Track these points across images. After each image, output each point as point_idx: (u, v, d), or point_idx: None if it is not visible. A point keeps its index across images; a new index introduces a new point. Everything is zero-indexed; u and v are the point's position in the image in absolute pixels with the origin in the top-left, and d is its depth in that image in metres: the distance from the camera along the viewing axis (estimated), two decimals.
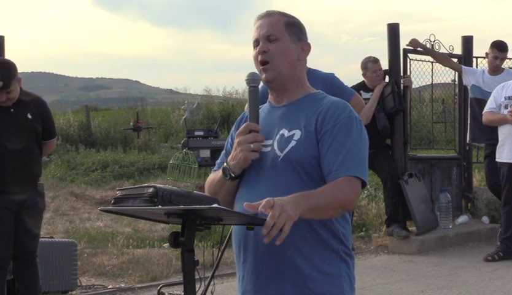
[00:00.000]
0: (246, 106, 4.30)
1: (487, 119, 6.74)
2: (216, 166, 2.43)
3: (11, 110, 4.61)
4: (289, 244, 2.14)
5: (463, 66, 7.73)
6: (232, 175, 2.24)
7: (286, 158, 2.20)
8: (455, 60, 7.96)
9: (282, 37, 2.28)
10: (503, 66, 7.75)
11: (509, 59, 8.56)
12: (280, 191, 2.04)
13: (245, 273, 2.26)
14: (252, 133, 2.22)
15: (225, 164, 2.26)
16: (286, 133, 2.24)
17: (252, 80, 2.27)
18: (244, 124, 2.25)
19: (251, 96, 2.26)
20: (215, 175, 2.34)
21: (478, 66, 8.11)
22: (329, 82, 4.63)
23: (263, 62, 2.26)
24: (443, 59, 7.76)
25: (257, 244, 2.19)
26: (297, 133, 2.22)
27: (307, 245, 2.18)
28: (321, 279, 2.18)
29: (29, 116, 4.66)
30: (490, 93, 7.08)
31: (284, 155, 2.21)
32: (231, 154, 2.26)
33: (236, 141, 2.24)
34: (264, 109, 2.37)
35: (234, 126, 2.45)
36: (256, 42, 2.29)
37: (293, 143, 2.21)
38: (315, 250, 2.19)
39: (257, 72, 2.31)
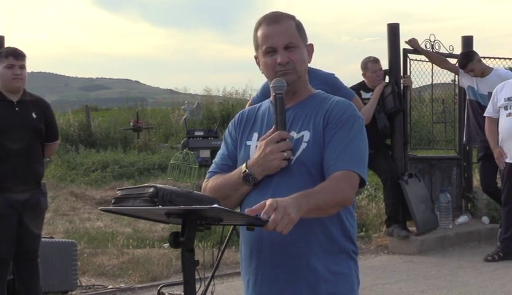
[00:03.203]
0: (247, 105, 4.29)
1: (486, 128, 6.76)
2: (214, 166, 2.38)
3: (16, 108, 4.67)
4: (305, 246, 2.16)
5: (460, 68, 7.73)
6: (256, 181, 2.21)
7: (299, 161, 2.20)
8: (455, 60, 7.96)
9: (299, 44, 2.27)
10: (496, 66, 7.76)
11: (509, 59, 8.59)
12: (294, 194, 2.02)
13: (257, 277, 2.24)
14: (285, 142, 2.18)
15: (247, 170, 2.21)
16: (295, 135, 2.24)
17: (278, 87, 2.22)
18: (277, 132, 2.19)
19: (278, 103, 2.21)
20: (225, 179, 2.28)
21: None
22: (330, 82, 4.63)
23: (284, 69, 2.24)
24: (440, 61, 7.76)
25: (272, 247, 2.18)
26: (306, 134, 2.22)
27: (321, 247, 2.19)
28: (334, 279, 2.19)
29: (34, 115, 4.71)
30: (484, 95, 7.11)
31: (296, 157, 2.20)
32: (255, 160, 2.20)
33: (266, 148, 2.18)
34: (268, 109, 2.35)
35: (232, 126, 2.41)
36: (271, 49, 2.25)
37: (303, 145, 2.21)
38: (329, 251, 2.20)
39: (267, 78, 2.30)
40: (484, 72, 7.29)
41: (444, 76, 8.42)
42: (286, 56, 2.24)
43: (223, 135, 2.48)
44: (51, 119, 4.89)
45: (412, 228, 7.36)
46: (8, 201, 4.58)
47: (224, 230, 5.70)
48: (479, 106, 7.20)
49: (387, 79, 7.46)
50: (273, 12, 2.32)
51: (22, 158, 4.61)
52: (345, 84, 5.10)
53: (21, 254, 4.73)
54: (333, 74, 4.89)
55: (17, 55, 4.67)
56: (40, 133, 4.74)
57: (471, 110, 7.39)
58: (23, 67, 4.69)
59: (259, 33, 2.30)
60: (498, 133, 6.68)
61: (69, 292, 5.66)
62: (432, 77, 8.16)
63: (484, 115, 6.78)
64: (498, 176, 7.15)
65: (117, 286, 6.05)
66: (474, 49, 7.88)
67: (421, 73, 7.99)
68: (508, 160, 6.55)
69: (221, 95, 22.52)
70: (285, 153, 2.18)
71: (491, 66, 7.76)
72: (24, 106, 4.70)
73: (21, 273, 4.81)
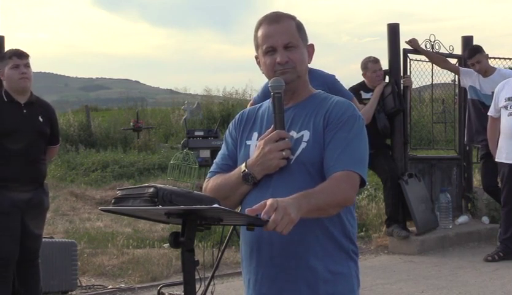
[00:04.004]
0: (249, 106, 4.30)
1: (488, 127, 6.78)
2: (215, 166, 2.39)
3: (24, 110, 4.70)
4: (305, 246, 2.16)
5: (460, 68, 7.73)
6: (255, 181, 2.22)
7: (298, 161, 2.20)
8: (455, 60, 7.96)
9: (299, 43, 2.28)
10: (496, 66, 7.76)
11: (509, 59, 8.59)
12: (295, 193, 2.02)
13: (257, 277, 2.24)
14: (284, 141, 2.19)
15: (246, 170, 2.22)
16: (295, 134, 2.24)
17: (276, 86, 2.22)
18: (275, 132, 2.20)
19: (276, 102, 2.22)
20: (225, 179, 2.29)
21: None
22: (330, 84, 4.62)
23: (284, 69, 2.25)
24: (440, 61, 7.76)
25: (272, 247, 2.19)
26: (306, 134, 2.22)
27: (321, 246, 2.19)
28: (333, 279, 2.20)
29: (41, 119, 4.76)
30: (486, 95, 7.11)
31: (296, 157, 2.20)
32: (254, 160, 2.21)
33: (265, 148, 2.19)
34: (268, 109, 2.36)
35: (232, 126, 2.42)
36: (271, 49, 2.26)
37: (303, 145, 2.21)
38: (329, 251, 2.20)
39: (267, 78, 2.30)
40: (487, 71, 7.29)
41: (444, 76, 8.43)
42: (285, 55, 2.25)
43: (224, 135, 2.48)
44: (55, 123, 4.95)
45: (412, 228, 7.35)
46: (12, 200, 4.60)
47: (224, 230, 5.70)
48: (482, 106, 7.20)
49: (387, 79, 7.46)
50: (274, 12, 2.33)
51: (27, 159, 4.64)
52: (346, 84, 5.08)
53: (22, 254, 4.73)
54: (334, 76, 4.88)
55: (20, 55, 4.71)
56: (45, 136, 4.78)
57: (473, 110, 7.39)
58: (27, 65, 4.72)
59: (259, 33, 2.30)
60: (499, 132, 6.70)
61: (69, 292, 5.66)
62: (432, 77, 8.17)
63: (489, 114, 6.79)
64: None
65: (117, 286, 6.05)
66: None
67: (421, 73, 7.99)
68: (507, 161, 6.55)
69: (221, 95, 22.54)
70: (283, 153, 2.18)
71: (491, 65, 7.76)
72: (32, 108, 4.74)
73: (22, 273, 4.81)
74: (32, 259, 4.80)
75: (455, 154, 8.34)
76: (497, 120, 6.69)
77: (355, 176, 2.15)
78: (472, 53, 7.28)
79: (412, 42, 7.62)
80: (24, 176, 4.65)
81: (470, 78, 7.42)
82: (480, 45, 7.50)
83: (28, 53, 4.74)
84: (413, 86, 7.97)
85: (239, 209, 2.30)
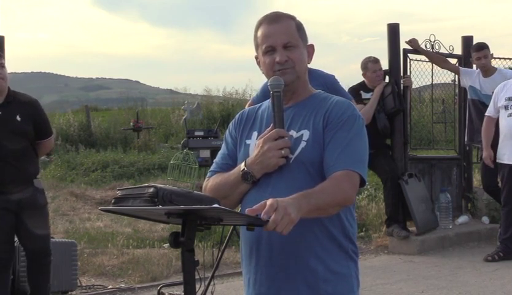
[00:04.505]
0: (247, 106, 4.30)
1: (484, 127, 6.78)
2: (215, 165, 2.39)
3: None
4: (304, 245, 2.16)
5: (460, 68, 7.73)
6: (255, 179, 2.22)
7: (298, 160, 2.20)
8: (455, 60, 7.96)
9: (298, 43, 2.28)
10: (496, 66, 7.76)
11: (509, 59, 8.60)
12: (294, 193, 2.02)
13: (257, 276, 2.24)
14: (283, 139, 2.19)
15: (245, 168, 2.22)
16: (294, 134, 2.24)
17: (275, 85, 2.23)
18: (274, 130, 2.20)
19: (276, 101, 2.22)
20: (224, 178, 2.29)
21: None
22: (329, 84, 4.62)
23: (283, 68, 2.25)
24: (440, 61, 7.76)
25: (271, 247, 2.19)
26: (305, 133, 2.22)
27: (321, 246, 2.19)
28: (333, 279, 2.20)
29: (18, 118, 4.60)
30: (487, 95, 7.12)
31: (296, 156, 2.20)
32: (253, 158, 2.21)
33: (264, 146, 2.19)
34: (267, 109, 2.36)
35: (232, 126, 2.42)
36: (270, 48, 2.27)
37: (303, 144, 2.21)
38: (328, 251, 2.20)
39: (267, 78, 2.30)
40: (489, 70, 7.30)
41: (444, 76, 8.43)
42: (285, 55, 2.25)
43: (224, 135, 2.49)
44: (41, 117, 4.77)
45: (412, 228, 7.35)
46: (1, 202, 4.55)
47: (224, 230, 5.70)
48: (483, 106, 7.20)
49: (387, 79, 7.46)
50: (274, 12, 2.33)
51: (10, 161, 4.54)
52: (346, 84, 5.09)
53: (28, 254, 4.71)
54: (333, 76, 4.88)
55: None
56: (26, 134, 4.63)
57: (474, 110, 7.39)
58: (2, 65, 4.60)
59: (259, 33, 2.31)
60: (496, 133, 6.70)
61: (69, 292, 5.66)
62: (432, 77, 8.17)
63: (486, 114, 6.79)
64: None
65: (117, 286, 6.05)
66: None
67: (421, 73, 8.00)
68: (508, 162, 6.55)
69: (221, 95, 22.55)
70: (283, 151, 2.18)
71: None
72: (8, 109, 4.59)
73: (31, 272, 4.76)
74: (39, 258, 4.74)
75: (455, 154, 8.34)
76: (494, 120, 6.68)
77: (355, 176, 2.15)
78: (480, 47, 7.28)
79: (412, 42, 7.62)
80: (11, 177, 4.55)
81: (470, 79, 7.42)
82: None
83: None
84: (413, 86, 7.98)
85: (238, 209, 2.30)
